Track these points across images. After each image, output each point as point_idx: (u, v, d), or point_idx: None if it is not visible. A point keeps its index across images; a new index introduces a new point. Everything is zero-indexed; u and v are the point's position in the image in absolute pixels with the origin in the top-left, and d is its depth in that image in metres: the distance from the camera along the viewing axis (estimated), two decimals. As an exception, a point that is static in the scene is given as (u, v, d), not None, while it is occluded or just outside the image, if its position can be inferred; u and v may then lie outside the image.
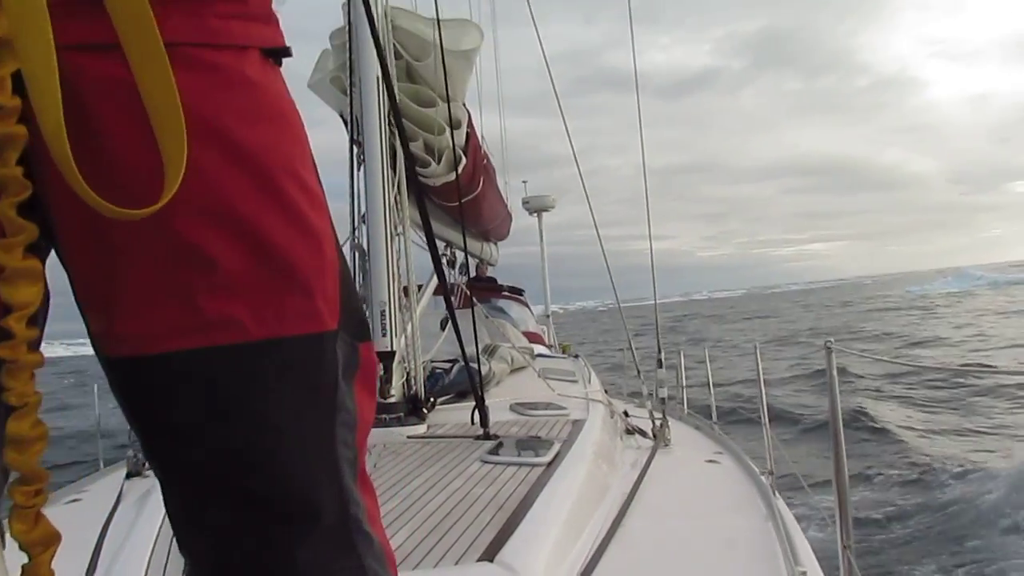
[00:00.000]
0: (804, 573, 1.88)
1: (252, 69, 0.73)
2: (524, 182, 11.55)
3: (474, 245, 6.35)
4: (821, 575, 1.75)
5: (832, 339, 1.66)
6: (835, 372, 1.63)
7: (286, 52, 0.79)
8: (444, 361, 4.05)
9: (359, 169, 3.61)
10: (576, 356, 6.07)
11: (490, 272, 8.10)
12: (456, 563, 1.88)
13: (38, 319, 0.68)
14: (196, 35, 0.69)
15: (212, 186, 0.69)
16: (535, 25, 5.04)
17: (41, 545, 0.65)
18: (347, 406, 0.78)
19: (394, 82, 3.67)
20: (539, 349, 5.99)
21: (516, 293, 7.93)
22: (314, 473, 0.74)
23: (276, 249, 0.72)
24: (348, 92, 3.65)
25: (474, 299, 4.46)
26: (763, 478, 3.08)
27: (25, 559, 0.65)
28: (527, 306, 7.45)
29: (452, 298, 5.79)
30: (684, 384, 6.00)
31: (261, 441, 0.71)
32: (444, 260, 5.31)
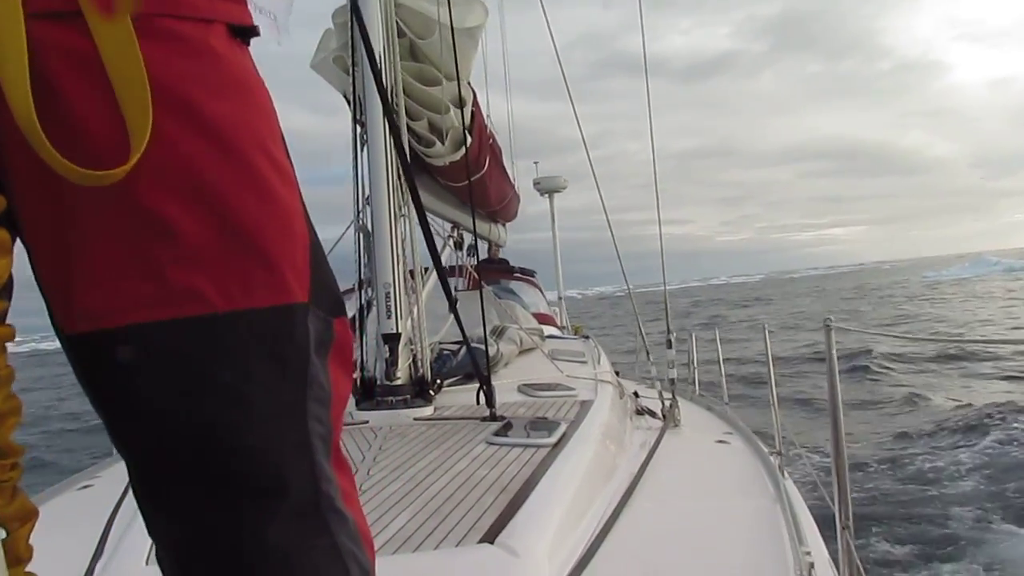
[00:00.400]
0: (808, 553, 1.85)
1: (218, 42, 0.72)
2: (535, 163, 11.50)
3: (482, 226, 6.31)
4: (826, 556, 1.72)
5: (832, 317, 1.62)
6: (834, 351, 1.59)
7: (253, 31, 0.79)
8: (452, 343, 4.03)
9: (363, 150, 3.58)
10: (587, 337, 6.04)
11: (501, 255, 8.07)
12: (457, 545, 1.86)
13: (5, 293, 0.68)
14: (160, 5, 0.69)
15: (176, 156, 0.68)
16: (543, 7, 4.99)
17: (18, 520, 0.65)
18: (320, 381, 0.77)
19: (397, 60, 3.64)
20: (550, 330, 5.96)
21: (527, 275, 7.90)
22: (284, 448, 0.73)
23: (242, 221, 0.71)
24: (351, 72, 3.61)
25: (481, 280, 4.43)
26: (772, 458, 3.05)
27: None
28: (538, 288, 7.42)
29: (460, 279, 5.80)
30: (695, 365, 5.97)
31: (229, 416, 0.70)
32: (451, 241, 5.28)
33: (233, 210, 0.70)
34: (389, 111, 3.09)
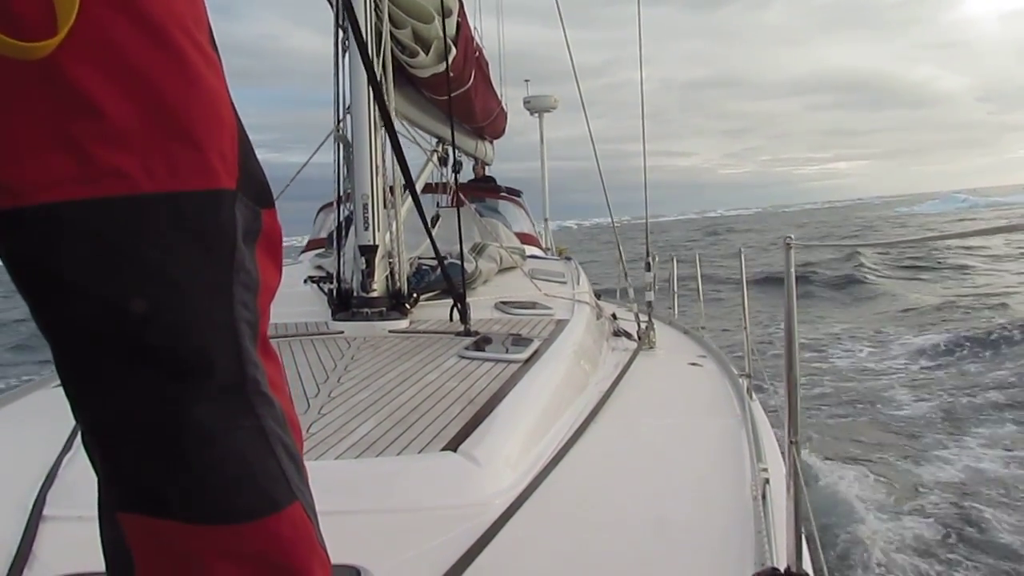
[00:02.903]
0: (765, 470, 1.89)
1: None
2: (526, 81, 11.25)
3: (468, 142, 6.21)
4: (783, 472, 1.77)
5: (792, 236, 1.62)
6: (792, 269, 1.59)
7: None
8: (432, 258, 4.02)
9: (344, 56, 3.49)
10: (568, 259, 6.04)
11: (490, 174, 7.98)
12: (420, 452, 1.90)
13: None
14: None
15: (102, 32, 0.67)
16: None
17: None
18: (247, 267, 0.77)
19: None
20: (532, 251, 5.95)
21: (513, 194, 7.84)
22: (209, 328, 0.73)
23: (168, 102, 0.70)
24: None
25: (462, 197, 4.39)
26: (741, 380, 3.10)
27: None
28: (524, 208, 7.36)
29: (444, 196, 5.75)
30: (675, 291, 6.00)
31: (152, 294, 0.69)
32: (435, 156, 5.20)
33: (159, 90, 0.69)
34: (357, 21, 3.00)
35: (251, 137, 0.81)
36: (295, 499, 0.78)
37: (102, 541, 0.82)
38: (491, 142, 7.17)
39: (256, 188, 0.79)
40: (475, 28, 5.09)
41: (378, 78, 3.20)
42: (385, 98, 2.75)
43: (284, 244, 0.87)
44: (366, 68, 3.00)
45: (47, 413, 2.03)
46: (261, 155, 0.83)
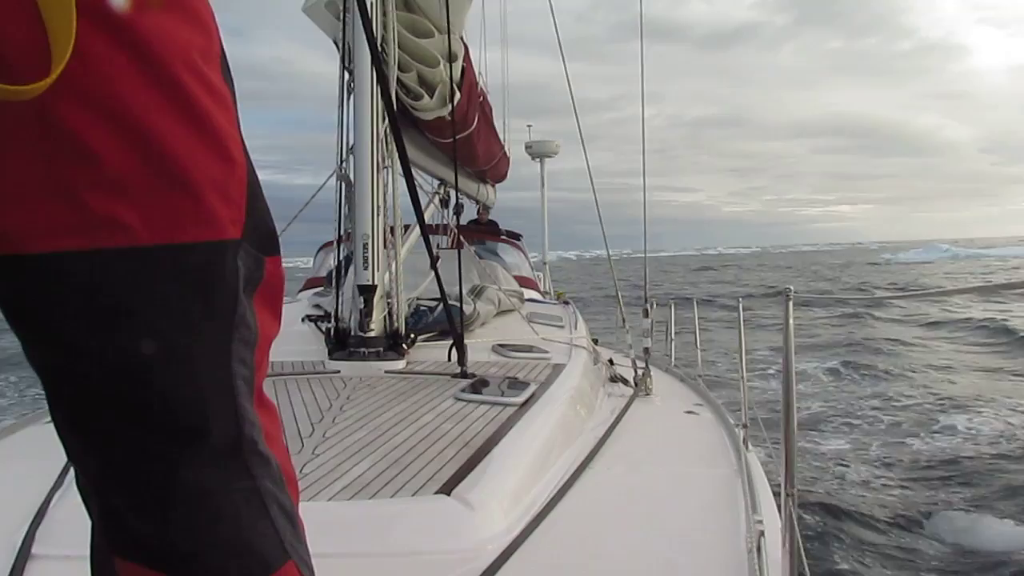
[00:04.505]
0: (760, 522, 1.88)
1: None
2: (529, 126, 11.37)
3: (470, 185, 6.26)
4: (778, 525, 1.75)
5: (792, 287, 1.63)
6: (791, 320, 1.60)
7: None
8: (430, 299, 4.03)
9: (349, 98, 3.54)
10: (567, 303, 6.05)
11: (491, 217, 8.03)
12: (414, 494, 1.88)
13: None
14: None
15: (97, 73, 0.63)
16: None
17: None
18: (247, 321, 0.74)
19: (391, 9, 3.58)
20: (531, 294, 5.96)
21: (513, 238, 7.88)
22: (206, 390, 0.70)
23: (167, 147, 0.66)
24: (342, 17, 3.55)
25: (462, 239, 4.41)
26: (738, 431, 3.08)
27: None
28: (523, 251, 7.40)
29: (444, 238, 5.78)
30: (672, 336, 6.00)
31: (149, 352, 0.67)
32: (437, 199, 5.24)
33: (159, 135, 0.65)
34: (377, 60, 3.04)
35: (260, 159, 0.77)
36: (288, 559, 0.77)
37: None
38: (493, 185, 7.23)
39: (261, 235, 0.75)
40: (479, 70, 5.18)
41: (388, 118, 3.23)
42: (400, 136, 2.78)
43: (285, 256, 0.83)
44: (386, 105, 3.03)
45: (39, 449, 2.01)
46: (268, 177, 0.78)
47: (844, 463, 6.89)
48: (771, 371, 11.03)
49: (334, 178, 3.67)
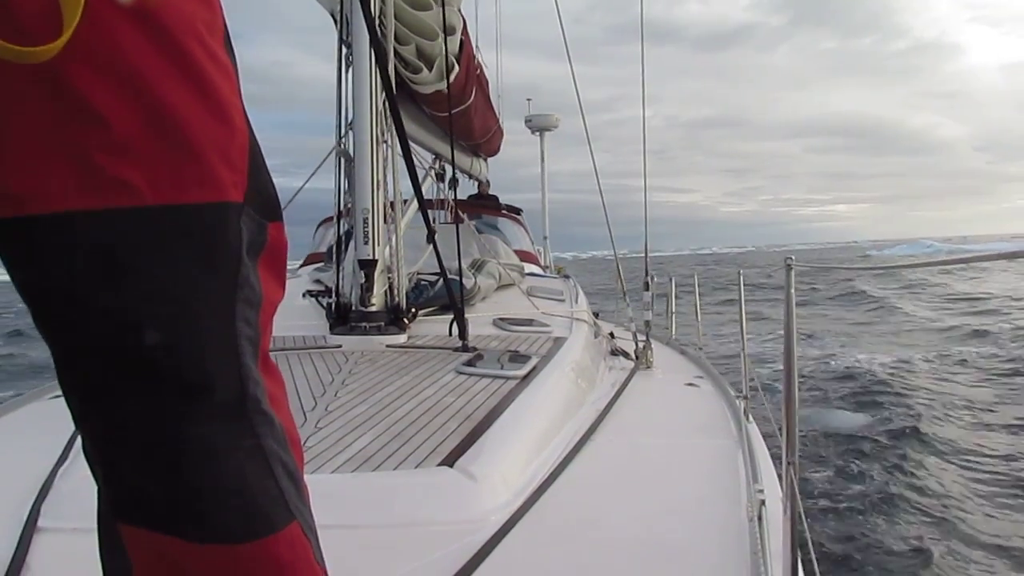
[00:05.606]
0: (761, 491, 1.89)
1: None
2: (528, 99, 11.29)
3: (463, 159, 6.23)
4: (779, 494, 1.76)
5: (792, 257, 1.63)
6: (792, 290, 1.59)
7: None
8: (431, 274, 4.03)
9: (347, 72, 3.51)
10: (567, 277, 6.04)
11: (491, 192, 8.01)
12: (416, 467, 1.89)
13: None
14: None
15: (107, 37, 0.65)
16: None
17: None
18: (251, 283, 0.75)
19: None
20: (531, 268, 5.95)
21: (513, 212, 7.86)
22: (210, 347, 0.72)
23: (174, 111, 0.68)
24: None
25: (460, 213, 4.39)
26: (738, 402, 3.09)
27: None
28: (523, 226, 7.38)
29: (443, 212, 5.76)
30: (673, 311, 6.00)
31: (153, 311, 0.68)
32: (433, 173, 5.22)
33: (166, 99, 0.68)
34: (375, 33, 3.02)
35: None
36: (292, 519, 0.77)
37: (100, 549, 0.81)
38: (485, 159, 7.20)
39: (264, 200, 0.77)
40: (477, 49, 5.14)
41: (386, 93, 3.21)
42: (398, 110, 2.76)
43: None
44: (383, 80, 3.01)
45: (44, 424, 2.03)
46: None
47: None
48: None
49: (333, 155, 3.65)
